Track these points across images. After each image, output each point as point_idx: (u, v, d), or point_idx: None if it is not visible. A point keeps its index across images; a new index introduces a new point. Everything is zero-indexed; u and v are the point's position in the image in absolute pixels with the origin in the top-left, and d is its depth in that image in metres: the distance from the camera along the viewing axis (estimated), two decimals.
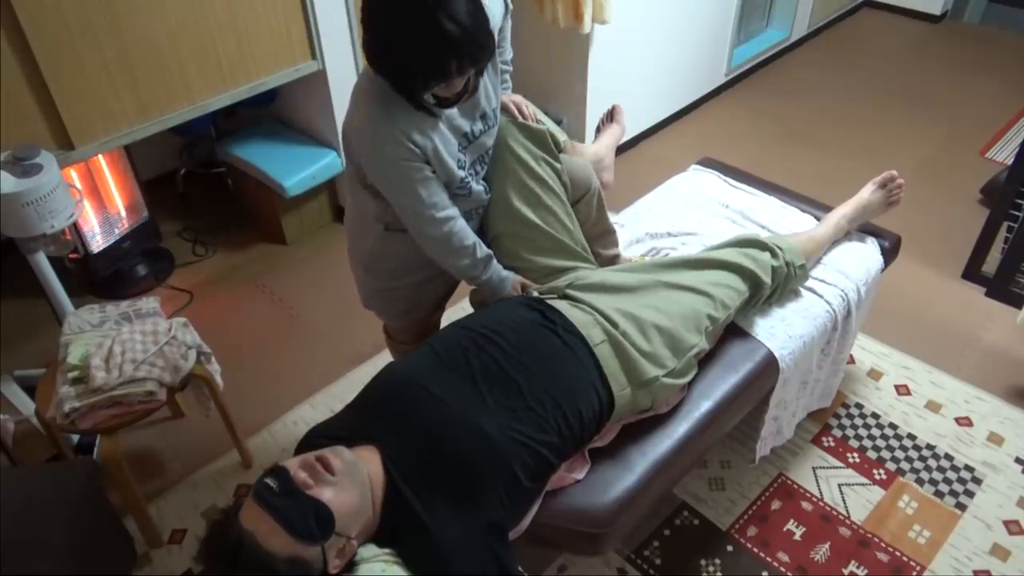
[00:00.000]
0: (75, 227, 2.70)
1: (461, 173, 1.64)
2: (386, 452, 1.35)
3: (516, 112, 1.78)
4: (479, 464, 1.36)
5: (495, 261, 1.76)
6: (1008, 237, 2.81)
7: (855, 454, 2.30)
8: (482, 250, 1.72)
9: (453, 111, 1.59)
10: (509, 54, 1.84)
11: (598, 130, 2.22)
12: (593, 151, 2.05)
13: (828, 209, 2.23)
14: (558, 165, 1.79)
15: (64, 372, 1.91)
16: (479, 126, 1.66)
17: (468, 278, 1.76)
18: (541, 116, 1.84)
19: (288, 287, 3.00)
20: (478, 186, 1.72)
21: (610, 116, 2.21)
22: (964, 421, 2.40)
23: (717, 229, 2.19)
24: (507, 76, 1.85)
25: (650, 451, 1.64)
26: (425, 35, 1.36)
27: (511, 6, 1.75)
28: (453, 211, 1.65)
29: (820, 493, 2.19)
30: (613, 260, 2.02)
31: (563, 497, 1.55)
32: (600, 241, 1.98)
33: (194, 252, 3.18)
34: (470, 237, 1.69)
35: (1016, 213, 2.74)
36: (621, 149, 3.68)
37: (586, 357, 1.57)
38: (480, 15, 1.41)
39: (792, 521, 2.12)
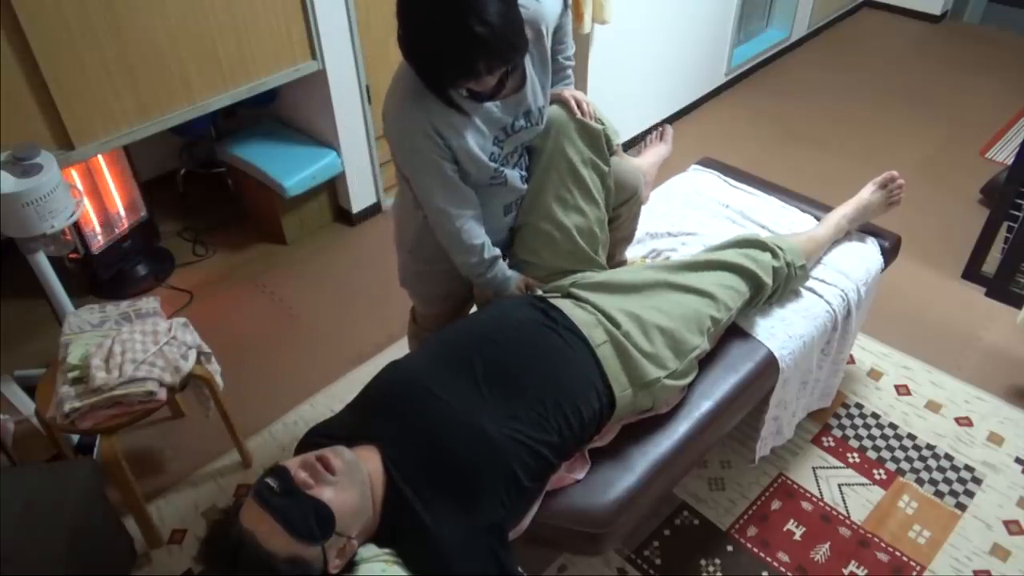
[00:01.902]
0: (76, 227, 2.70)
1: (493, 164, 1.64)
2: (386, 452, 1.35)
3: (575, 107, 1.75)
4: (479, 464, 1.36)
5: (501, 262, 1.76)
6: (1008, 237, 2.81)
7: (855, 454, 2.30)
8: (490, 251, 1.72)
9: (493, 105, 1.59)
10: (571, 49, 1.83)
11: (645, 146, 2.24)
12: (636, 164, 2.06)
13: (828, 209, 2.23)
14: (605, 169, 1.78)
15: (64, 372, 1.91)
16: (521, 122, 1.66)
17: (473, 275, 1.76)
18: (600, 115, 1.80)
19: (288, 287, 3.00)
20: (514, 172, 1.71)
21: (660, 136, 2.24)
22: (964, 421, 2.40)
23: (717, 229, 2.19)
24: (569, 71, 1.83)
25: (650, 451, 1.64)
26: (453, 35, 1.36)
27: (570, 2, 1.74)
28: (468, 211, 1.66)
29: (820, 493, 2.19)
30: (620, 264, 2.03)
31: (563, 497, 1.55)
32: (620, 246, 2.00)
33: (194, 252, 3.18)
34: (479, 237, 1.69)
35: (1016, 213, 2.74)
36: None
37: (587, 357, 1.57)
38: (512, 15, 1.40)
39: (792, 521, 2.12)
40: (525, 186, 1.76)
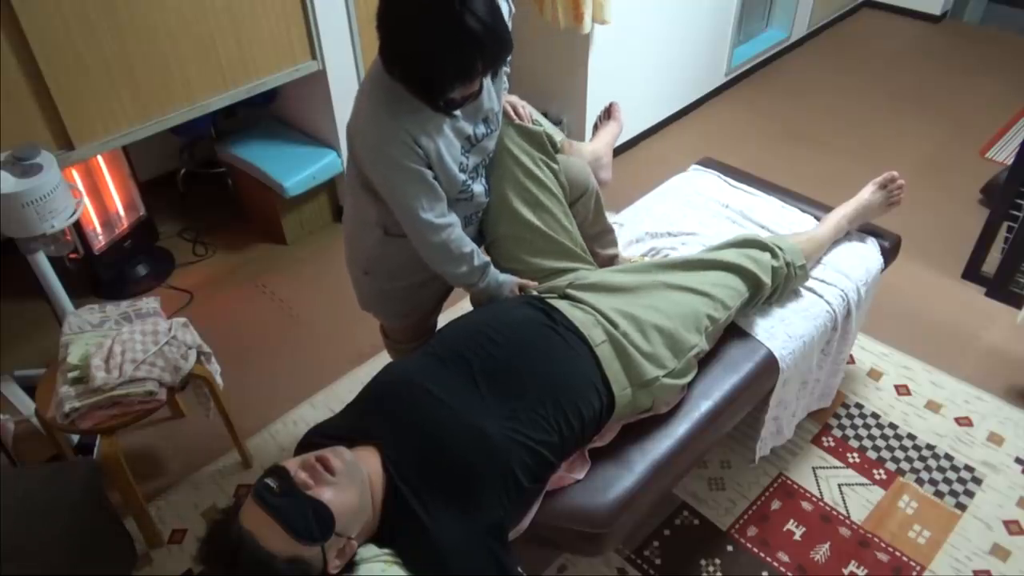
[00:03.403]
0: (77, 227, 2.70)
1: (462, 176, 1.64)
2: (385, 452, 1.35)
3: (512, 113, 1.77)
4: (479, 465, 1.36)
5: (492, 268, 1.75)
6: (1008, 237, 2.81)
7: (855, 454, 2.30)
8: (480, 258, 1.71)
9: (457, 113, 1.59)
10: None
11: (595, 128, 2.21)
12: (591, 149, 2.05)
13: (828, 209, 2.23)
14: (555, 166, 1.79)
15: (64, 372, 1.91)
16: (482, 129, 1.66)
17: (465, 285, 1.75)
18: (537, 116, 1.83)
19: (288, 287, 3.00)
20: (479, 187, 1.72)
21: (607, 114, 2.21)
22: (964, 421, 2.39)
23: (717, 229, 2.19)
24: (505, 78, 1.84)
25: (650, 451, 1.64)
26: (453, 35, 1.36)
27: (514, 8, 1.75)
28: (452, 219, 1.65)
29: (820, 493, 2.19)
30: (612, 260, 2.02)
31: (563, 497, 1.55)
32: (598, 241, 1.98)
33: (194, 252, 3.18)
34: (468, 245, 1.68)
35: (1016, 213, 2.74)
36: (621, 149, 3.69)
37: (587, 357, 1.57)
38: (497, 12, 1.41)
39: (792, 521, 2.12)
40: (487, 198, 1.76)
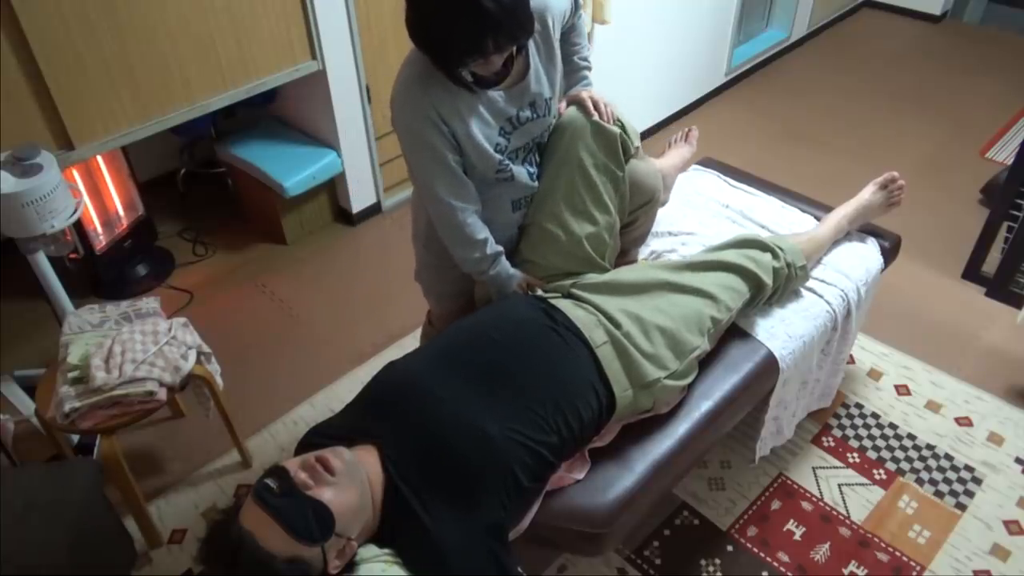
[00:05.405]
0: (78, 227, 2.70)
1: (498, 157, 1.64)
2: (385, 452, 1.35)
3: (592, 108, 1.73)
4: (479, 464, 1.36)
5: (503, 259, 1.76)
6: (1008, 237, 2.81)
7: (855, 454, 2.30)
8: (492, 247, 1.72)
9: (497, 94, 1.59)
10: (587, 51, 1.83)
11: (669, 146, 2.23)
12: (658, 166, 2.05)
13: (828, 209, 2.23)
14: (619, 174, 1.77)
15: (64, 372, 1.91)
16: (527, 113, 1.65)
17: (475, 271, 1.76)
18: (619, 115, 1.78)
19: (288, 287, 3.00)
20: (521, 169, 1.71)
21: (684, 137, 2.22)
22: (964, 421, 2.39)
23: (717, 229, 2.19)
24: (586, 72, 1.83)
25: (650, 451, 1.64)
26: (463, 11, 1.38)
27: (581, 2, 1.74)
28: (471, 205, 1.66)
29: (820, 493, 2.19)
30: (628, 263, 2.03)
31: (563, 497, 1.55)
32: (634, 245, 2.00)
33: (194, 252, 3.18)
34: (482, 232, 1.69)
35: (1016, 213, 2.74)
36: None
37: (587, 358, 1.57)
38: None
39: (792, 521, 2.12)
40: (535, 183, 1.76)
